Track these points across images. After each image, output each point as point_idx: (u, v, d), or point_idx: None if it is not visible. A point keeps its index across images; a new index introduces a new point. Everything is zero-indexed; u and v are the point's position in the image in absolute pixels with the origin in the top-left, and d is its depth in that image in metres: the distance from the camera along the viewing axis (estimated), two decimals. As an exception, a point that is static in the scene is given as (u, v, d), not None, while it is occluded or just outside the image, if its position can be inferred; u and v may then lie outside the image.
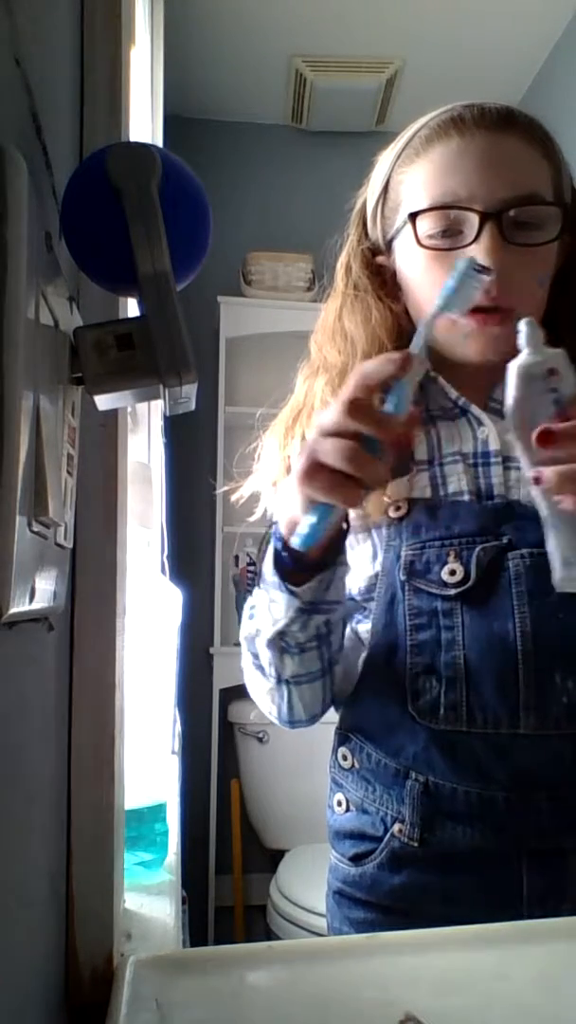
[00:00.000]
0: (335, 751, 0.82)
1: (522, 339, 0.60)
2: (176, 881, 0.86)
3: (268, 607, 0.72)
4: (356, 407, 0.57)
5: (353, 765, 0.79)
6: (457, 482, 0.75)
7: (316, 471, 0.58)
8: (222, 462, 2.48)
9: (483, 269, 0.62)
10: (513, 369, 0.60)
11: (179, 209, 0.40)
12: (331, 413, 0.58)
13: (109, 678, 0.54)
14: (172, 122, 2.32)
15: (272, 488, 0.83)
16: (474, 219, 0.70)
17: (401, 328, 0.80)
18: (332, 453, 0.57)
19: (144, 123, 1.55)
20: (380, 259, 0.81)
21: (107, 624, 0.54)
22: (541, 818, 0.70)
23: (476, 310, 0.71)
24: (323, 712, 0.81)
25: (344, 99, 2.62)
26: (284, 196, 2.75)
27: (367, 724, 0.78)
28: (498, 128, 0.72)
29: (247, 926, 2.44)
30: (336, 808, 0.82)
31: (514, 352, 0.66)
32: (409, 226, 0.74)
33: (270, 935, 1.98)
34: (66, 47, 0.50)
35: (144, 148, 0.40)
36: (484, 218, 0.69)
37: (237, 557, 2.55)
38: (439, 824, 0.72)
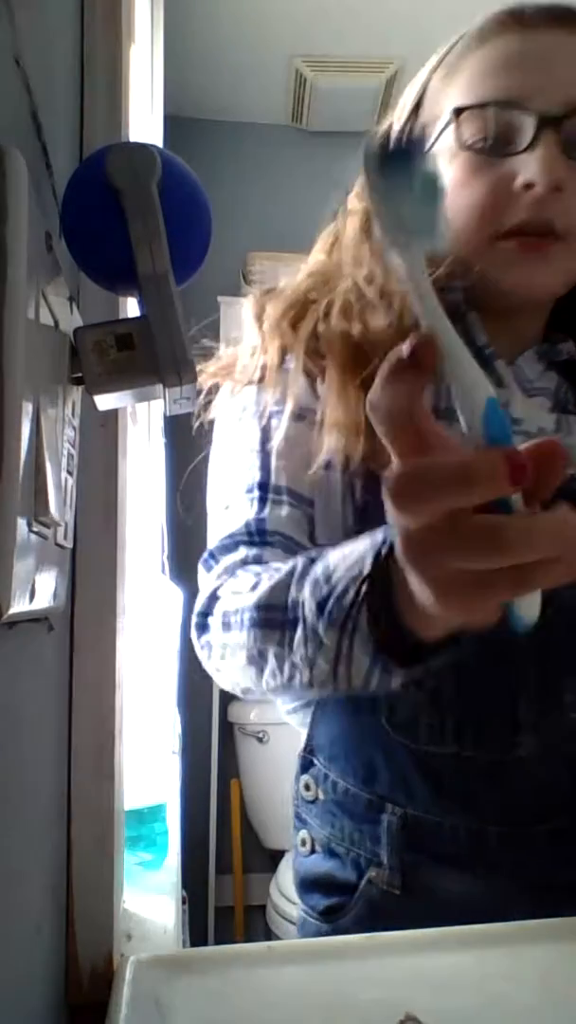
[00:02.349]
0: (297, 779, 0.71)
1: None
2: (176, 881, 0.86)
3: (334, 656, 0.49)
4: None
5: (317, 796, 0.67)
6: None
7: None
8: (222, 462, 2.47)
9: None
10: None
11: (179, 209, 0.40)
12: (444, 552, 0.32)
13: (109, 678, 0.54)
14: (172, 122, 2.32)
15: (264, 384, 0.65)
16: (530, 123, 0.58)
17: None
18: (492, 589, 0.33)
19: (144, 123, 1.54)
20: None
21: (107, 624, 0.54)
22: (541, 855, 0.61)
23: (518, 232, 0.59)
24: None
25: (344, 99, 2.62)
26: (284, 196, 2.75)
27: (332, 744, 0.66)
28: (566, 25, 0.60)
29: (247, 926, 2.43)
30: (300, 848, 0.70)
31: (569, 289, 0.54)
32: (447, 134, 0.61)
33: (270, 935, 1.98)
34: (66, 47, 0.50)
35: (144, 148, 0.40)
36: (543, 124, 0.57)
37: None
38: (423, 866, 0.61)
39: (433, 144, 0.64)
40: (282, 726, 2.47)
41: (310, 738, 0.69)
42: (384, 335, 0.60)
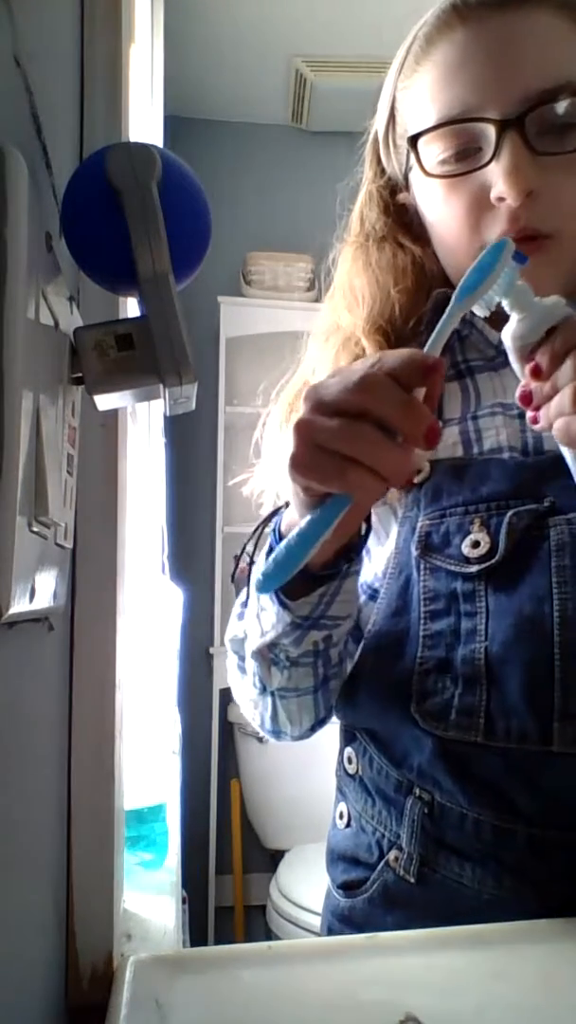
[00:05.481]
0: (341, 750, 0.70)
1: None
2: (176, 881, 0.86)
3: (257, 614, 0.61)
4: (374, 383, 0.43)
5: (357, 770, 0.66)
6: (495, 436, 0.60)
7: (315, 456, 0.45)
8: (222, 462, 2.48)
9: (518, 255, 0.47)
10: (509, 342, 0.48)
11: (179, 209, 0.40)
12: (336, 386, 0.45)
13: (109, 678, 0.54)
14: (172, 122, 2.32)
15: (276, 479, 0.72)
16: (490, 131, 0.55)
17: (421, 273, 0.67)
18: (339, 433, 0.44)
19: (144, 123, 1.54)
20: (401, 197, 0.67)
21: (107, 624, 0.54)
22: (573, 863, 0.55)
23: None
24: (315, 728, 0.69)
25: (344, 99, 2.62)
26: (284, 196, 2.75)
27: (368, 722, 0.65)
28: (514, 4, 0.55)
29: (247, 926, 2.44)
30: (338, 821, 0.69)
31: (570, 284, 0.55)
32: (412, 159, 0.60)
33: (270, 935, 1.98)
34: (66, 47, 0.50)
35: (144, 148, 0.40)
36: (502, 127, 0.54)
37: (237, 557, 2.55)
38: (442, 858, 0.58)
39: (407, 170, 0.64)
40: (282, 726, 2.47)
41: (345, 715, 0.68)
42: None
